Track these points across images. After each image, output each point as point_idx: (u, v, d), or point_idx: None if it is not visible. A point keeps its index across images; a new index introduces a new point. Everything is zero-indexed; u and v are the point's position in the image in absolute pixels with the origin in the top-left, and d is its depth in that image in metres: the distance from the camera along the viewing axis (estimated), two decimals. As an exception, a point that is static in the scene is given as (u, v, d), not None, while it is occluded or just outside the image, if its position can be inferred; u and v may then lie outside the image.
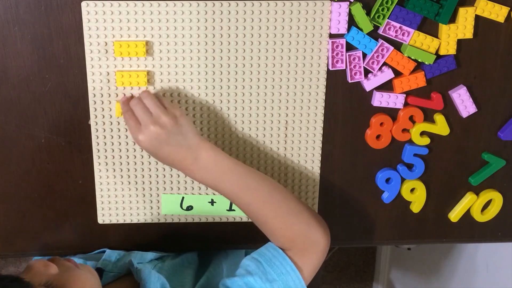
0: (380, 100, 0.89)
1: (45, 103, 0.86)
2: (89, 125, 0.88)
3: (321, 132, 0.91)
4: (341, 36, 0.85)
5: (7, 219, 0.93)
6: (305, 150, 0.91)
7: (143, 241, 0.96)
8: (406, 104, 0.90)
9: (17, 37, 0.83)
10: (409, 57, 0.86)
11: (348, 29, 0.85)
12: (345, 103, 0.90)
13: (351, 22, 0.85)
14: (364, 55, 0.86)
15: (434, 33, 0.86)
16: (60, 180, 0.91)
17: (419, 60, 0.86)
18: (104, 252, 0.93)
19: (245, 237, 0.97)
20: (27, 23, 0.82)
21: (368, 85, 0.88)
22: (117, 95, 0.86)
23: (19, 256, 0.99)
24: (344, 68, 0.87)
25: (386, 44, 0.85)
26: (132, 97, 0.85)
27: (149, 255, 0.92)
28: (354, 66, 0.87)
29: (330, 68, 0.87)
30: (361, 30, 0.84)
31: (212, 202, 0.93)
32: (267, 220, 0.83)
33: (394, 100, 0.89)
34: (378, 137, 0.92)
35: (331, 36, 0.85)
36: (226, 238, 0.97)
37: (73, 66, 0.85)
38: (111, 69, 0.85)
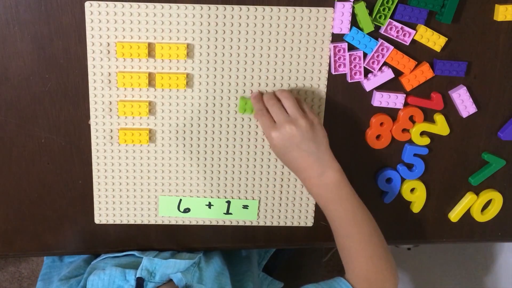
0: (380, 100, 0.89)
1: (45, 103, 0.86)
2: (89, 125, 0.88)
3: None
4: (342, 39, 0.85)
5: (7, 219, 0.93)
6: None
7: (142, 242, 0.96)
8: (406, 104, 0.90)
9: (17, 37, 0.83)
10: (409, 56, 0.86)
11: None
12: (345, 103, 0.90)
13: (351, 22, 0.85)
14: (364, 55, 0.86)
15: (441, 31, 0.86)
16: (60, 180, 0.91)
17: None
18: (131, 254, 0.92)
19: (245, 237, 0.97)
20: (27, 23, 0.82)
21: (368, 85, 0.88)
22: (117, 96, 0.86)
23: (19, 256, 0.99)
24: (346, 71, 0.87)
25: (386, 44, 0.85)
26: (262, 94, 0.85)
27: (183, 264, 0.89)
28: (355, 66, 0.87)
29: (333, 73, 0.87)
30: (362, 30, 0.84)
31: (209, 205, 0.93)
32: (358, 257, 0.82)
33: (394, 100, 0.89)
34: (378, 137, 0.92)
35: (333, 37, 0.85)
36: (226, 239, 0.97)
37: (73, 66, 0.85)
38: (112, 70, 0.85)
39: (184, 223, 0.95)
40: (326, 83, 0.88)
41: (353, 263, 0.83)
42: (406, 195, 0.96)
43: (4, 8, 0.81)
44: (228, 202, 0.94)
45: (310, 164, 0.81)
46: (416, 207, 0.97)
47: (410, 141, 0.92)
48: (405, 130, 0.92)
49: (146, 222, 0.94)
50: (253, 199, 0.94)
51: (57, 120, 0.87)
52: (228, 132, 0.89)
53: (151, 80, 0.85)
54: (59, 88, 0.86)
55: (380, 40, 0.85)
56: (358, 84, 0.89)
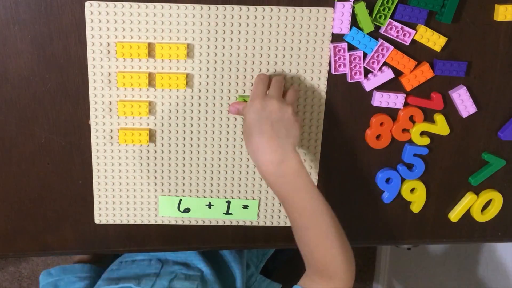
0: (380, 100, 0.89)
1: (45, 103, 0.86)
2: (89, 125, 0.88)
3: (321, 131, 0.91)
4: (342, 39, 0.85)
5: (7, 219, 0.93)
6: (306, 149, 0.91)
7: (142, 242, 0.96)
8: (406, 104, 0.90)
9: (17, 37, 0.83)
10: (409, 55, 0.86)
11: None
12: (345, 103, 0.90)
13: (352, 22, 0.85)
14: (364, 55, 0.86)
15: (441, 31, 0.86)
16: (60, 180, 0.91)
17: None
18: (128, 287, 0.93)
19: (245, 237, 0.97)
20: (27, 23, 0.82)
21: (368, 85, 0.88)
22: (118, 96, 0.86)
23: (19, 256, 0.99)
24: (346, 71, 0.87)
25: (386, 44, 0.85)
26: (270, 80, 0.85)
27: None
28: (355, 66, 0.87)
29: (333, 73, 0.87)
30: (362, 30, 0.84)
31: (209, 205, 0.93)
32: (317, 249, 0.79)
33: (394, 100, 0.89)
34: (378, 137, 0.92)
35: (333, 37, 0.85)
36: (226, 239, 0.97)
37: (73, 66, 0.85)
38: (112, 70, 0.85)
39: (184, 223, 0.95)
40: (326, 83, 0.88)
41: (313, 256, 0.80)
42: (406, 195, 0.96)
43: (4, 8, 0.81)
44: (228, 202, 0.94)
45: (273, 147, 0.77)
46: (416, 207, 0.97)
47: (410, 141, 0.92)
48: (405, 130, 0.92)
49: (146, 222, 0.94)
50: (253, 199, 0.94)
51: (57, 120, 0.87)
52: (228, 132, 0.89)
53: (151, 80, 0.85)
54: (59, 88, 0.86)
55: (380, 40, 0.85)
56: (358, 84, 0.89)
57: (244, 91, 0.87)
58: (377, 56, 0.86)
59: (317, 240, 0.79)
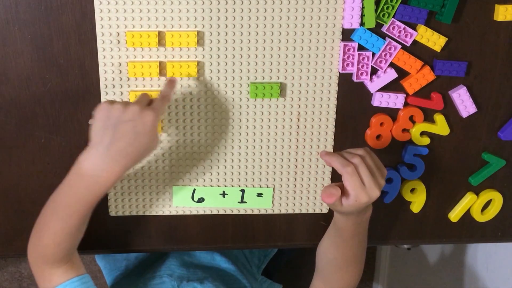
0: (380, 100, 0.89)
1: (45, 103, 0.86)
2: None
3: (333, 130, 0.91)
4: (351, 39, 0.85)
5: (7, 219, 0.93)
6: (317, 148, 0.92)
7: (142, 242, 0.96)
8: (406, 104, 0.90)
9: (17, 37, 0.83)
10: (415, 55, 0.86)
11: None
12: (345, 103, 0.90)
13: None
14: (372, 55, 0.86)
15: (441, 31, 0.86)
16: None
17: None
18: None
19: (245, 237, 0.97)
20: (27, 23, 0.82)
21: (372, 86, 0.88)
22: (129, 86, 0.86)
23: (19, 256, 0.98)
24: (353, 71, 0.87)
25: (394, 43, 0.85)
26: (331, 152, 0.83)
27: None
28: (362, 66, 0.86)
29: (340, 71, 0.86)
30: (363, 24, 0.84)
31: (223, 194, 0.93)
32: (348, 268, 0.90)
33: (394, 100, 0.89)
34: (378, 137, 0.92)
35: (343, 34, 0.85)
36: (226, 239, 0.97)
37: (73, 66, 0.85)
38: (123, 59, 0.84)
39: (198, 213, 0.94)
40: (337, 74, 0.87)
41: (339, 272, 0.91)
42: (406, 195, 0.96)
43: (4, 8, 0.81)
44: (242, 191, 0.93)
45: (368, 210, 0.86)
46: (416, 207, 0.97)
47: (410, 141, 0.92)
48: (405, 130, 0.92)
49: (160, 213, 0.94)
50: (267, 187, 0.93)
51: (57, 120, 0.87)
52: (240, 120, 0.89)
53: (162, 69, 0.85)
54: (59, 88, 0.86)
55: (388, 39, 0.85)
56: (359, 84, 0.89)
57: (256, 78, 0.87)
58: (385, 55, 0.86)
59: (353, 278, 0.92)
